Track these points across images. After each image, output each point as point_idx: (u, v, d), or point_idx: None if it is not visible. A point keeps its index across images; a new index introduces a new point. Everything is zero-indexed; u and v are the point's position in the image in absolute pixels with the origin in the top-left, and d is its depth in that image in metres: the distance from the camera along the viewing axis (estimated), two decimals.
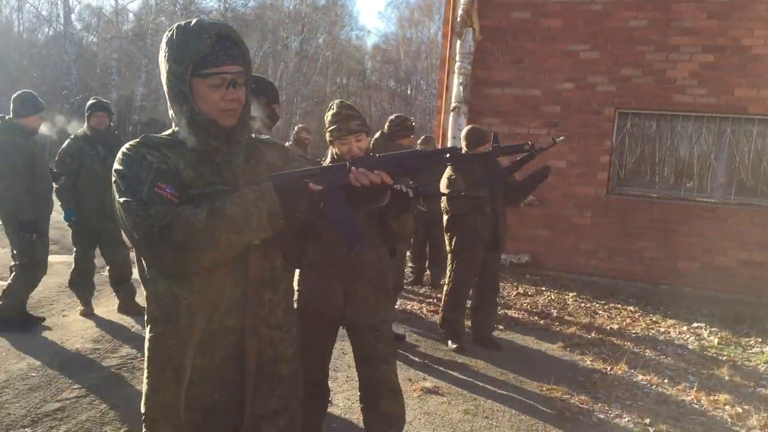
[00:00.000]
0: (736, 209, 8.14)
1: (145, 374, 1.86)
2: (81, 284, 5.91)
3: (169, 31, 1.80)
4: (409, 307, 6.89)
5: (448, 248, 5.57)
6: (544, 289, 8.06)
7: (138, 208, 1.66)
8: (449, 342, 5.58)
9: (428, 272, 8.09)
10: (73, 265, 5.98)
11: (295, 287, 3.24)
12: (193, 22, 1.78)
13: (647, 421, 4.24)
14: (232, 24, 23.94)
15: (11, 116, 5.43)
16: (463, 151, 5.44)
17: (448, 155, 1.96)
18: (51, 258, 7.99)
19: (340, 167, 1.85)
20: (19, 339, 5.06)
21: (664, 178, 8.59)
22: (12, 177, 5.22)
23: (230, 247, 1.68)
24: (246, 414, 1.85)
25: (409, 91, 46.34)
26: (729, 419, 4.37)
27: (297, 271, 3.26)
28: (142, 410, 1.87)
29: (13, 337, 5.09)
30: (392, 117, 5.51)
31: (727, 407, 4.56)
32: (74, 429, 3.67)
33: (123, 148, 1.81)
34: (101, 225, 5.74)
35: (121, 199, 1.70)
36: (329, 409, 4.10)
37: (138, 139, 1.83)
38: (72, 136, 5.91)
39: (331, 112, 3.21)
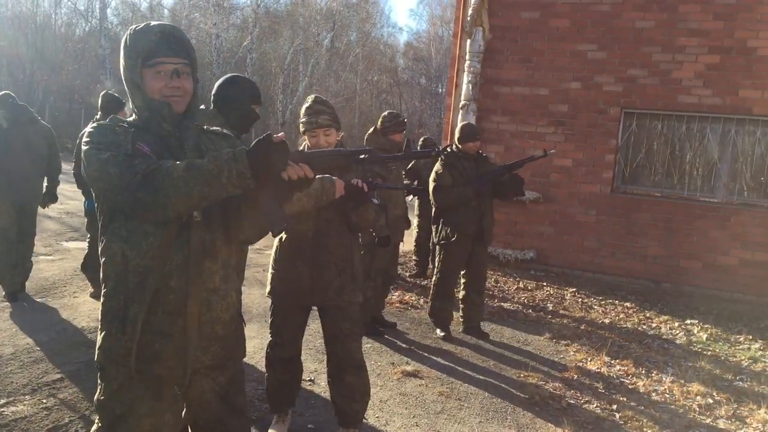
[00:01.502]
0: (739, 209, 8.20)
1: (100, 326, 2.13)
2: (92, 268, 6.23)
3: (125, 33, 2.12)
4: (407, 297, 7.11)
5: (434, 240, 5.81)
6: (545, 284, 8.22)
7: (124, 159, 1.94)
8: (437, 330, 5.81)
9: (431, 265, 8.28)
10: (87, 250, 6.30)
11: (270, 271, 3.52)
12: (142, 24, 2.11)
13: (614, 407, 4.42)
14: (264, 20, 24.42)
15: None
16: (455, 145, 5.72)
17: (364, 155, 2.20)
18: (69, 244, 8.44)
19: None
20: (30, 317, 5.41)
21: (668, 178, 8.67)
22: None
23: (202, 197, 1.91)
24: (188, 361, 2.10)
25: (440, 89, 46.39)
26: (697, 408, 4.51)
27: (271, 258, 3.53)
28: (95, 358, 2.14)
29: (24, 315, 5.44)
30: (385, 114, 5.73)
31: (698, 398, 4.70)
32: (70, 397, 3.96)
33: (92, 126, 2.12)
34: None
35: (104, 155, 1.96)
36: (311, 387, 4.38)
37: (107, 120, 2.13)
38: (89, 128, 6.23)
39: (305, 105, 3.44)
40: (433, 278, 5.87)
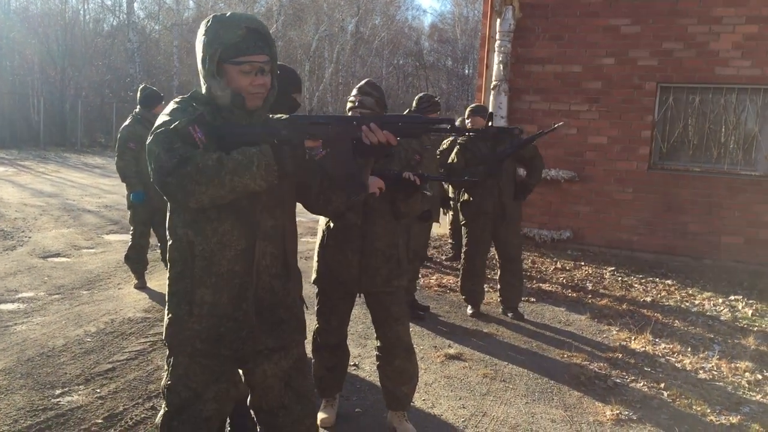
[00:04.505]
0: None
1: (167, 308, 2.20)
2: (135, 259, 6.33)
3: (207, 20, 2.13)
4: (444, 280, 7.11)
5: (461, 220, 5.99)
6: (583, 264, 8.16)
7: (165, 138, 1.96)
8: (468, 307, 5.92)
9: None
10: (130, 242, 6.39)
11: (315, 259, 3.54)
12: (228, 14, 2.11)
13: (662, 385, 4.38)
14: (288, 7, 24.54)
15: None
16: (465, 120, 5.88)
17: (448, 126, 2.20)
18: (110, 237, 8.58)
19: (349, 120, 2.15)
20: (77, 309, 5.52)
21: (707, 152, 8.51)
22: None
23: (232, 189, 1.94)
24: (253, 343, 2.17)
25: (466, 71, 46.04)
26: (747, 385, 4.46)
27: (316, 245, 3.55)
28: (163, 337, 2.22)
29: (72, 307, 5.55)
30: (420, 95, 5.85)
31: (746, 374, 4.64)
32: (122, 387, 4.04)
33: (174, 100, 2.15)
34: (160, 204, 6.08)
35: (159, 130, 1.99)
36: (356, 372, 4.41)
37: (189, 94, 2.18)
38: (129, 121, 6.29)
39: (356, 87, 3.49)
40: (462, 257, 5.98)
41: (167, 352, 2.22)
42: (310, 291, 3.63)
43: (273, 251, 2.18)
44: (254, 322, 2.16)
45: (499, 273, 5.99)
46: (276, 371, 2.26)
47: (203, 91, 2.14)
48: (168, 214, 2.18)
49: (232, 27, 2.05)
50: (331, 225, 3.44)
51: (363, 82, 3.51)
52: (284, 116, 2.36)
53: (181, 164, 1.90)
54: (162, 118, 2.05)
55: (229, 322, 2.14)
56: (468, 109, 5.96)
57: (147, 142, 2.00)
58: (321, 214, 2.33)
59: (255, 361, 2.22)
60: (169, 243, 2.16)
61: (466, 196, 5.82)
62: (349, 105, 3.45)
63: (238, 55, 2.05)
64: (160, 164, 1.93)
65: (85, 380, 4.10)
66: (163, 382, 2.24)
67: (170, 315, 2.17)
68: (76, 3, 31.40)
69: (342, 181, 2.16)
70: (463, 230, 5.94)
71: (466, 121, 5.88)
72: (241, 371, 2.30)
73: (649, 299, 6.66)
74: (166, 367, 2.23)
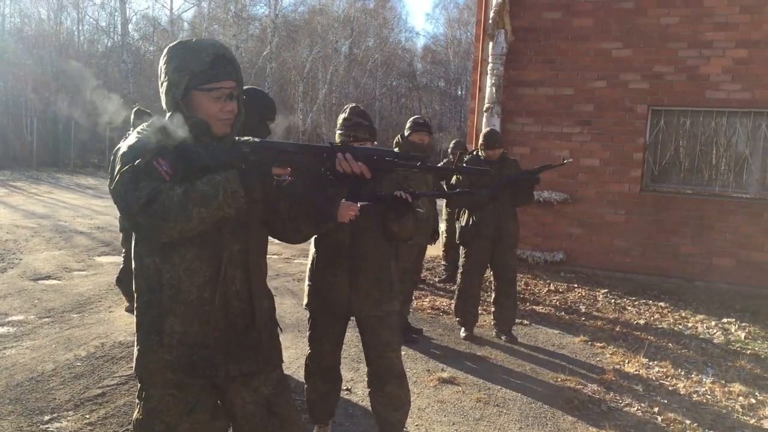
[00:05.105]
0: None
1: (136, 338, 2.15)
2: (127, 282, 6.28)
3: (171, 46, 2.09)
4: (438, 303, 7.09)
5: (457, 240, 6.00)
6: (576, 286, 8.16)
7: (130, 177, 1.92)
8: (461, 330, 5.90)
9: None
10: (122, 265, 6.36)
11: (306, 282, 3.52)
12: (194, 40, 2.08)
13: (656, 410, 4.36)
14: (282, 29, 24.55)
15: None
16: (479, 151, 5.82)
17: (418, 163, 2.20)
18: (102, 259, 8.53)
19: (319, 150, 2.13)
20: (67, 333, 5.47)
21: (698, 175, 8.56)
22: None
23: (201, 220, 1.92)
24: (227, 370, 2.13)
25: (459, 92, 46.30)
26: (740, 409, 4.44)
27: (307, 269, 3.54)
28: (133, 369, 2.17)
29: (62, 331, 5.50)
30: (414, 117, 5.81)
31: (740, 398, 4.63)
32: (113, 412, 3.99)
33: (137, 129, 2.10)
34: None
35: (124, 168, 1.95)
36: (348, 396, 4.37)
37: (149, 122, 2.12)
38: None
39: (343, 116, 3.45)
40: (458, 279, 5.98)
41: (138, 386, 2.18)
42: (303, 315, 3.62)
43: (242, 276, 2.15)
44: (227, 348, 2.12)
45: (493, 296, 5.98)
46: (255, 398, 2.23)
47: (165, 118, 2.10)
48: (133, 242, 2.14)
49: (199, 53, 2.02)
50: (321, 247, 3.43)
51: (348, 110, 3.46)
52: (252, 139, 2.36)
53: (148, 203, 1.89)
54: (124, 152, 2.00)
55: (200, 349, 2.10)
56: (482, 138, 5.82)
57: (113, 185, 1.97)
58: (289, 242, 2.30)
59: (231, 390, 2.18)
60: (135, 272, 2.11)
61: (465, 217, 5.81)
62: (341, 139, 3.40)
63: (208, 81, 2.02)
64: (128, 205, 1.92)
65: (74, 406, 4.05)
66: (134, 416, 2.19)
67: (139, 347, 2.12)
68: (70, 24, 31.53)
69: (311, 209, 2.15)
70: (461, 251, 5.93)
71: (481, 153, 5.82)
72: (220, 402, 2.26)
73: (642, 322, 6.66)
74: (137, 401, 2.18)
